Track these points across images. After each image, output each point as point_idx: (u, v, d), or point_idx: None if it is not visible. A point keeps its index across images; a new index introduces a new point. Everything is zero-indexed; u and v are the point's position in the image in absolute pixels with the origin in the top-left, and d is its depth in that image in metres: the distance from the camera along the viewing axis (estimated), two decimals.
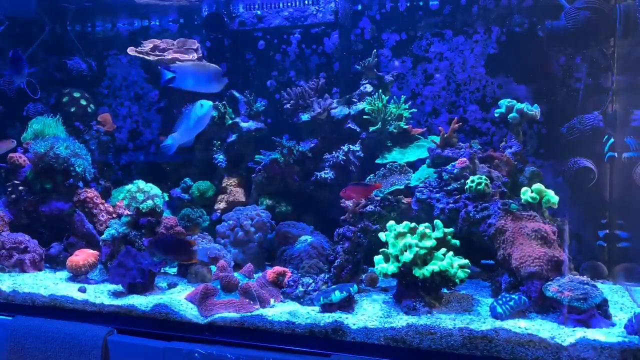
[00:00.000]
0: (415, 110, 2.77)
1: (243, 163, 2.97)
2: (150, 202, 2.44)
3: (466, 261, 1.93)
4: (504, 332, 1.65)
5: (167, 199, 2.76)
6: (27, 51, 3.44)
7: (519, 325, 1.69)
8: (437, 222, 2.01)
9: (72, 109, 3.16)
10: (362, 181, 2.55)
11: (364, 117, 2.69)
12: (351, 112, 2.74)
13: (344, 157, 2.65)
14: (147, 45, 3.04)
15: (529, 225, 1.93)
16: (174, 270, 2.52)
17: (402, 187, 2.37)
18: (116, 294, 2.17)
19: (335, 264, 2.13)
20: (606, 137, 2.41)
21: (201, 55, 3.08)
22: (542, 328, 1.67)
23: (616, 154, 2.40)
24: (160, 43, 3.06)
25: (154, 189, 2.91)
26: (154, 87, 3.33)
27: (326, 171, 2.66)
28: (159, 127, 3.36)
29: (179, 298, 2.10)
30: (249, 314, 1.92)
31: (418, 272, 1.85)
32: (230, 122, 2.95)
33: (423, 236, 1.93)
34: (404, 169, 2.49)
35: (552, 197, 2.02)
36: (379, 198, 2.27)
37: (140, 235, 2.44)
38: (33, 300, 2.19)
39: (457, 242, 2.00)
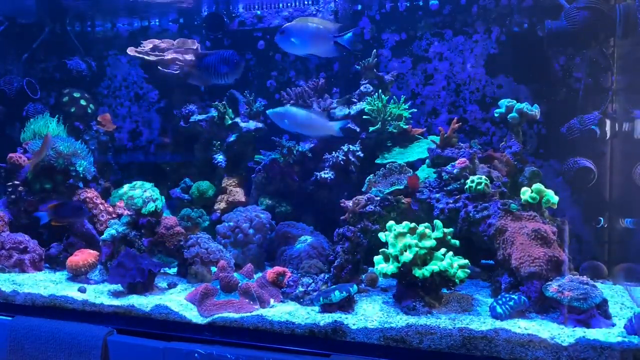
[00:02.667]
0: (415, 110, 2.77)
1: (243, 163, 2.97)
2: (151, 204, 2.44)
3: (466, 261, 1.93)
4: (503, 332, 1.65)
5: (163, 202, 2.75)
6: (26, 52, 3.45)
7: (519, 326, 1.69)
8: (437, 222, 2.01)
9: (72, 109, 3.16)
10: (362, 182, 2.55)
11: (364, 117, 2.69)
12: (351, 112, 2.74)
13: (344, 157, 2.65)
14: (147, 45, 3.04)
15: (528, 226, 1.93)
16: (174, 270, 2.52)
17: (402, 187, 2.37)
18: (116, 294, 2.17)
19: (335, 264, 2.13)
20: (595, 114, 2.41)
21: None
22: (542, 328, 1.67)
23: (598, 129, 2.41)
24: (160, 43, 3.06)
25: (153, 190, 2.91)
26: (154, 87, 3.33)
27: (326, 171, 2.66)
28: (159, 127, 3.36)
29: (178, 298, 2.11)
30: (248, 314, 1.92)
31: (418, 272, 1.85)
32: (230, 122, 2.95)
33: (423, 236, 1.93)
34: (404, 169, 2.49)
35: (552, 197, 2.02)
36: (379, 198, 2.27)
37: (140, 236, 2.44)
38: (33, 301, 2.19)
39: (457, 242, 2.00)
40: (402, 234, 1.94)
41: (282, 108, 2.55)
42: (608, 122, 2.44)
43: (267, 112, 2.57)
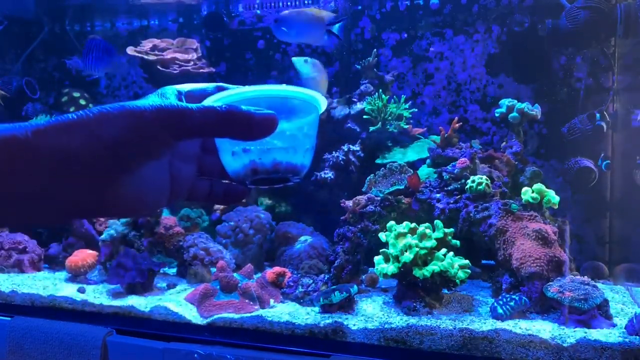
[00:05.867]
0: (416, 110, 2.76)
1: None
2: None
3: (466, 261, 1.92)
4: (504, 333, 1.64)
5: None
6: (25, 51, 3.44)
7: (520, 326, 1.69)
8: (438, 222, 2.00)
9: (72, 109, 3.15)
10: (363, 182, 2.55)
11: (364, 117, 2.68)
12: (351, 112, 2.74)
13: (344, 157, 2.64)
14: (147, 44, 3.04)
15: (529, 226, 1.92)
16: (174, 270, 2.51)
17: (402, 187, 2.36)
18: (115, 295, 2.16)
19: (335, 264, 2.12)
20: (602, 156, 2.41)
21: (201, 54, 3.07)
22: (543, 329, 1.67)
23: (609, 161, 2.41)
24: (160, 42, 3.05)
25: None
26: (153, 87, 3.32)
27: (326, 171, 2.66)
28: None
29: (178, 299, 2.10)
30: (248, 314, 1.91)
31: (418, 273, 1.84)
32: None
33: (423, 236, 1.92)
34: (404, 169, 2.48)
35: (553, 197, 2.02)
36: (379, 198, 2.26)
37: (139, 236, 2.43)
38: (32, 301, 2.18)
39: (458, 242, 1.99)
40: (403, 234, 1.93)
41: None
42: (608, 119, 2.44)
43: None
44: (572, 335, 1.62)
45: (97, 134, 0.46)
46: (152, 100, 0.51)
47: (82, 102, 3.18)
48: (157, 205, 0.56)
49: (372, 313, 1.88)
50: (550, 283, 1.77)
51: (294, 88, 0.60)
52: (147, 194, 0.52)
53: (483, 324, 1.72)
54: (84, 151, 0.46)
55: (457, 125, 2.41)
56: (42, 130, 0.46)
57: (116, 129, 0.47)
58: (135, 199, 0.51)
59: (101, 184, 0.48)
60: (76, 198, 0.48)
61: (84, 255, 2.41)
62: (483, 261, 2.29)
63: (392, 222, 1.99)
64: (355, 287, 1.95)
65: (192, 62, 3.01)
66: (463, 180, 2.19)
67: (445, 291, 1.98)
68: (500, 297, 1.83)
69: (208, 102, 0.56)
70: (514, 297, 1.79)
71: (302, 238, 2.50)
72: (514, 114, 2.35)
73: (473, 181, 2.13)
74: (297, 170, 0.61)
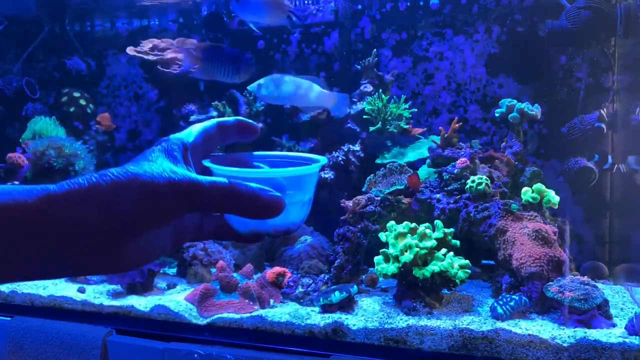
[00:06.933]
0: (416, 110, 2.76)
1: None
2: None
3: (466, 261, 1.92)
4: (504, 333, 1.64)
5: None
6: (25, 51, 3.44)
7: (520, 326, 1.69)
8: (438, 222, 2.00)
9: (72, 109, 3.15)
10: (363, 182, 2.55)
11: (364, 117, 2.68)
12: (351, 112, 2.73)
13: (344, 157, 2.64)
14: (147, 44, 3.03)
15: (529, 226, 1.92)
16: (174, 270, 2.51)
17: (402, 187, 2.36)
18: (115, 295, 2.16)
19: (335, 264, 2.12)
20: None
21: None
22: (543, 329, 1.67)
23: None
24: (160, 42, 3.05)
25: None
26: (153, 87, 3.32)
27: (326, 171, 2.66)
28: (159, 127, 3.35)
29: (178, 299, 2.10)
30: (248, 314, 1.91)
31: (418, 273, 1.84)
32: None
33: (423, 236, 1.92)
34: (404, 169, 2.48)
35: (553, 197, 2.02)
36: (379, 198, 2.26)
37: None
38: (32, 301, 2.18)
39: (458, 242, 1.99)
40: (403, 234, 1.93)
41: (263, 78, 2.22)
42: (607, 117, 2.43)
43: (248, 88, 2.29)
44: (572, 335, 1.62)
45: (108, 204, 0.47)
46: (159, 164, 0.51)
47: (82, 102, 3.18)
48: (162, 255, 0.58)
49: (372, 313, 1.88)
50: (550, 283, 1.77)
51: (298, 167, 0.64)
52: (153, 250, 0.55)
53: (483, 324, 1.72)
54: (94, 220, 0.47)
55: (457, 125, 2.41)
56: (53, 197, 0.46)
57: (128, 200, 0.48)
58: (141, 257, 0.53)
59: (108, 248, 0.49)
60: (81, 260, 0.49)
61: None
62: (483, 261, 2.29)
63: (392, 222, 1.99)
64: (355, 287, 1.95)
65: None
66: (463, 180, 2.19)
67: (445, 291, 1.98)
68: (500, 297, 1.83)
69: (218, 171, 0.59)
70: (514, 297, 1.79)
71: (302, 238, 2.50)
72: (514, 114, 2.35)
73: (473, 181, 2.13)
74: (296, 227, 0.66)
